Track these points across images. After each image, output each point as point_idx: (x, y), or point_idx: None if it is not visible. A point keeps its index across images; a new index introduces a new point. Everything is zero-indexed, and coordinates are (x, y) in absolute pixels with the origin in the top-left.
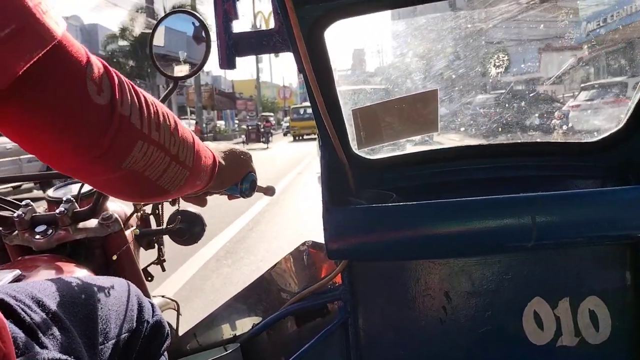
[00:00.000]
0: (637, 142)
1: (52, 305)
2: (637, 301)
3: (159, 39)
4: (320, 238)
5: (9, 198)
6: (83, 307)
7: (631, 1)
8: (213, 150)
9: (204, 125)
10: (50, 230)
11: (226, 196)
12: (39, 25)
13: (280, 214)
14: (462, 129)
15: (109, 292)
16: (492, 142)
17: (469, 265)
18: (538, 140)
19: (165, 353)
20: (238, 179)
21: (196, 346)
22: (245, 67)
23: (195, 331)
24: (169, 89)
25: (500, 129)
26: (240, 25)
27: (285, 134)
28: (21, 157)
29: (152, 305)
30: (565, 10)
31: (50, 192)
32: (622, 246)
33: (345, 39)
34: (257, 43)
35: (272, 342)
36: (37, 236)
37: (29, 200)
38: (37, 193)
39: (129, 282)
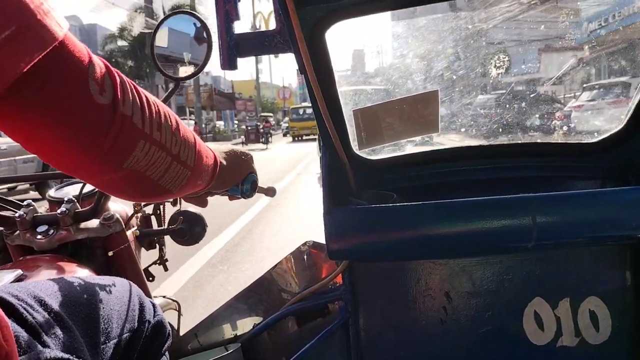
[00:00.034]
0: (637, 143)
1: (54, 304)
2: (637, 301)
3: (162, 40)
4: (320, 238)
5: (10, 198)
6: (85, 307)
7: (632, 1)
8: (214, 150)
9: (203, 125)
10: (52, 231)
11: (227, 197)
12: (40, 27)
13: (280, 214)
14: (463, 129)
15: (110, 292)
16: (492, 142)
17: (470, 265)
18: (538, 140)
19: (167, 353)
20: (239, 179)
21: (197, 346)
22: (245, 67)
23: (196, 331)
24: (170, 89)
25: (500, 130)
26: (240, 26)
27: (284, 135)
28: (16, 157)
29: (154, 305)
30: (566, 11)
31: (52, 192)
32: (622, 247)
33: (346, 40)
34: (259, 44)
35: (273, 342)
36: (39, 236)
37: (30, 201)
38: (33, 194)
39: (131, 282)
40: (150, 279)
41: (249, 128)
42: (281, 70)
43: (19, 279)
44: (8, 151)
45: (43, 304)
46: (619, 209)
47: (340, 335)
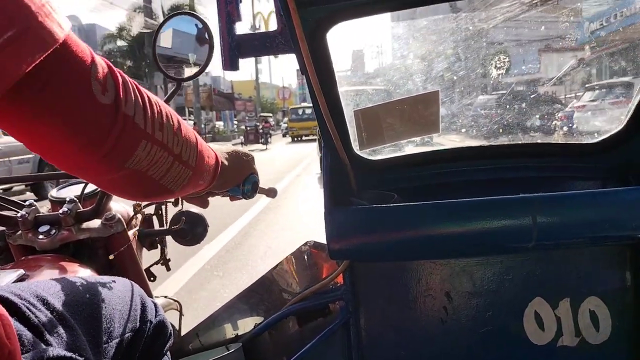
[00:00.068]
0: (637, 143)
1: (57, 304)
2: (637, 302)
3: (163, 41)
4: (321, 239)
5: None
6: (87, 306)
7: (633, 1)
8: (216, 150)
9: (202, 125)
10: (54, 231)
11: (227, 198)
12: (42, 29)
13: (280, 215)
14: (463, 130)
15: (112, 292)
16: (493, 143)
17: (470, 265)
18: (539, 141)
19: (168, 353)
20: (240, 179)
21: (198, 346)
22: (245, 67)
23: (197, 331)
24: (172, 90)
25: (500, 130)
26: (240, 26)
27: (284, 135)
28: (11, 158)
29: (155, 305)
30: (567, 11)
31: (54, 193)
32: (622, 247)
33: (348, 41)
34: (260, 44)
35: (274, 341)
36: (41, 236)
37: (32, 201)
38: (29, 195)
39: (132, 282)
40: (152, 279)
41: (248, 128)
42: (281, 71)
43: (21, 279)
44: (3, 151)
45: (46, 303)
46: (619, 209)
47: (341, 335)
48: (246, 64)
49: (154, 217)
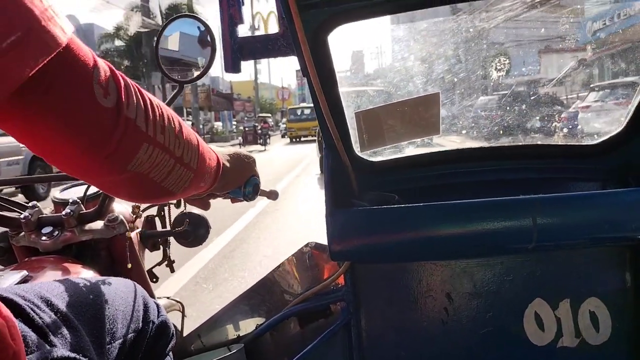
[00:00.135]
0: (637, 145)
1: (61, 305)
2: (637, 302)
3: (171, 44)
4: (321, 240)
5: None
6: (90, 307)
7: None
8: (217, 152)
9: (201, 126)
10: (57, 232)
11: (228, 199)
12: (45, 33)
13: (279, 216)
14: (464, 131)
15: (115, 293)
16: (493, 144)
17: (471, 266)
18: (539, 142)
19: (171, 353)
20: (241, 182)
21: (200, 347)
22: (244, 67)
23: (199, 332)
24: (174, 92)
25: (501, 132)
26: (240, 26)
27: (283, 136)
28: (0, 160)
29: (158, 305)
30: (568, 11)
31: (57, 194)
32: (622, 248)
33: (349, 43)
34: (262, 47)
35: (276, 342)
36: (43, 237)
37: (35, 202)
38: (20, 198)
39: (135, 283)
40: (154, 280)
41: (247, 129)
42: (280, 71)
43: (24, 280)
44: None
45: (50, 304)
46: (619, 211)
47: (342, 336)
48: (245, 64)
49: (157, 219)
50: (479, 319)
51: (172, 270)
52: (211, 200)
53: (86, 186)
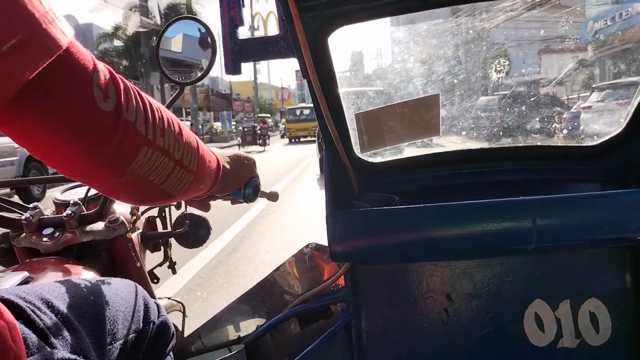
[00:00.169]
0: (636, 146)
1: (61, 306)
2: (637, 303)
3: (174, 45)
4: (322, 240)
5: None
6: (91, 308)
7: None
8: (217, 154)
9: (200, 126)
10: (58, 233)
11: (228, 201)
12: (45, 36)
13: (279, 217)
14: (464, 132)
15: (116, 293)
16: (493, 145)
17: (471, 267)
18: (539, 143)
19: (171, 353)
20: (241, 183)
21: (201, 347)
22: (244, 68)
23: (200, 332)
24: (174, 94)
25: (501, 133)
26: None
27: (282, 136)
28: None
29: (158, 305)
30: (569, 11)
31: (58, 195)
32: (622, 249)
33: (349, 44)
34: (263, 49)
35: (276, 343)
36: (45, 239)
37: (37, 203)
38: (15, 199)
39: (136, 284)
40: (155, 280)
41: (246, 129)
42: (280, 71)
43: (25, 281)
44: None
45: (50, 305)
46: (619, 212)
47: (343, 337)
48: (245, 65)
49: (158, 220)
50: (479, 319)
51: (174, 272)
52: (211, 202)
53: (87, 187)
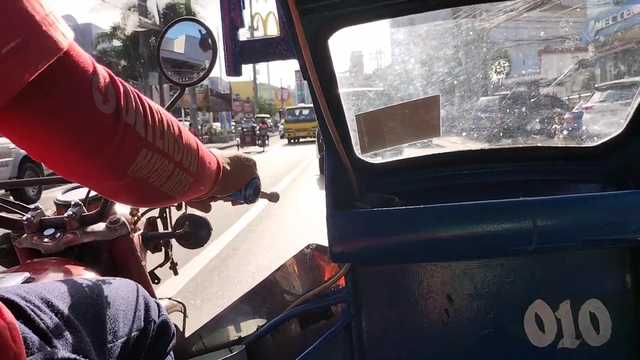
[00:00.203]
0: (636, 147)
1: (62, 306)
2: (637, 304)
3: (177, 46)
4: (323, 241)
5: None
6: (91, 307)
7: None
8: (217, 156)
9: (199, 127)
10: (59, 234)
11: (229, 202)
12: (45, 38)
13: (279, 217)
14: (464, 133)
15: (116, 293)
16: (493, 146)
17: (471, 268)
18: (539, 144)
19: (172, 352)
20: (242, 184)
21: (202, 348)
22: (243, 68)
23: (200, 333)
24: (175, 95)
25: (501, 134)
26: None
27: (282, 137)
28: None
29: (158, 305)
30: (569, 11)
31: (59, 196)
32: (622, 250)
33: (349, 45)
34: (263, 50)
35: (277, 343)
36: (46, 239)
37: (38, 204)
38: (10, 200)
39: (137, 283)
40: (156, 281)
41: (245, 130)
42: (279, 71)
43: (26, 282)
44: None
45: (51, 305)
46: (619, 213)
47: (343, 338)
48: (245, 65)
49: (158, 220)
50: (479, 320)
51: (176, 273)
52: (212, 203)
53: (88, 188)
